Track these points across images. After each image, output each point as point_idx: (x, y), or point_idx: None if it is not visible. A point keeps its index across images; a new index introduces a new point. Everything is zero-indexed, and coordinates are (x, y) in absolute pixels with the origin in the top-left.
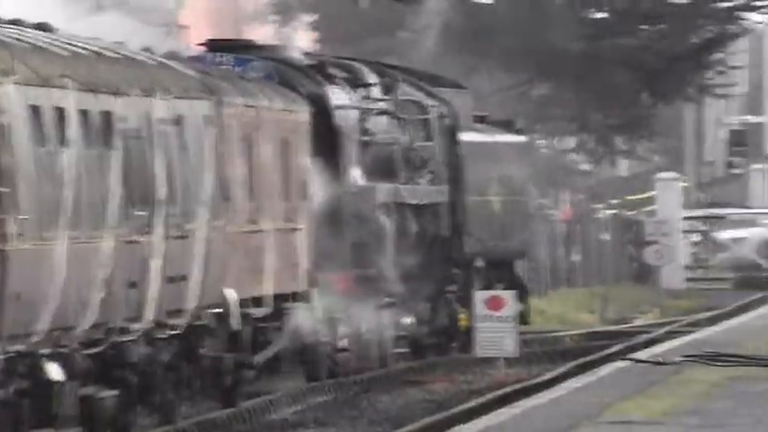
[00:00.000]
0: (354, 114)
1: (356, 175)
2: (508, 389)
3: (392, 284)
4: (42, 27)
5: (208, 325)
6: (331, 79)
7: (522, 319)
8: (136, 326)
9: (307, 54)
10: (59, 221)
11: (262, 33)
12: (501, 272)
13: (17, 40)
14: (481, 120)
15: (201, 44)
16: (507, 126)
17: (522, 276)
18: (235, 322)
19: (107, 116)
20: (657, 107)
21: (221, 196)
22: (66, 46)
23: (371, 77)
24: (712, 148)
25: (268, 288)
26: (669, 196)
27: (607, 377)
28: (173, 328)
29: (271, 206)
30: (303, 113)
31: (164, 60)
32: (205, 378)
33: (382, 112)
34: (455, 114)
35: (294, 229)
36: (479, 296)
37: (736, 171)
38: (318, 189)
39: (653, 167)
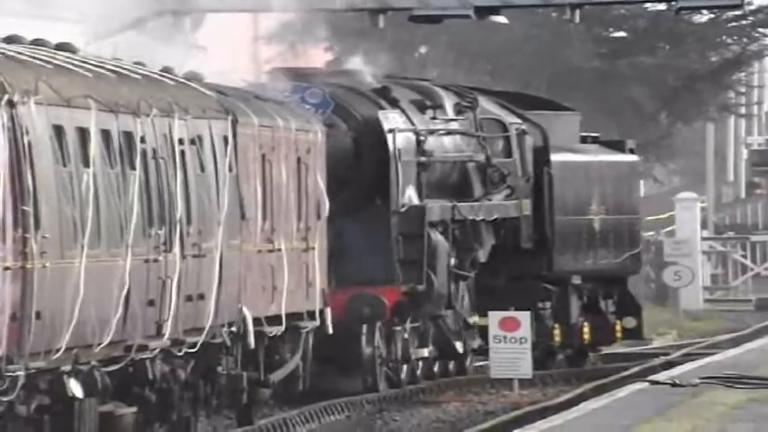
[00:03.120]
0: (411, 136)
1: (411, 194)
2: (523, 410)
3: (445, 298)
4: (64, 47)
5: (224, 343)
6: (395, 102)
7: (637, 334)
8: (154, 343)
9: (381, 77)
10: (80, 240)
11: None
12: (610, 289)
13: (40, 60)
14: (594, 140)
15: (267, 72)
16: (618, 146)
17: (635, 293)
18: (251, 340)
19: (128, 136)
20: (676, 127)
21: (238, 215)
22: (89, 66)
23: (445, 99)
24: (734, 168)
25: (282, 307)
26: (689, 217)
27: (625, 399)
28: (190, 345)
29: (286, 225)
30: (319, 134)
31: (182, 80)
32: (222, 396)
33: (452, 132)
34: (543, 133)
35: (309, 249)
36: (493, 317)
37: (759, 192)
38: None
39: (672, 188)
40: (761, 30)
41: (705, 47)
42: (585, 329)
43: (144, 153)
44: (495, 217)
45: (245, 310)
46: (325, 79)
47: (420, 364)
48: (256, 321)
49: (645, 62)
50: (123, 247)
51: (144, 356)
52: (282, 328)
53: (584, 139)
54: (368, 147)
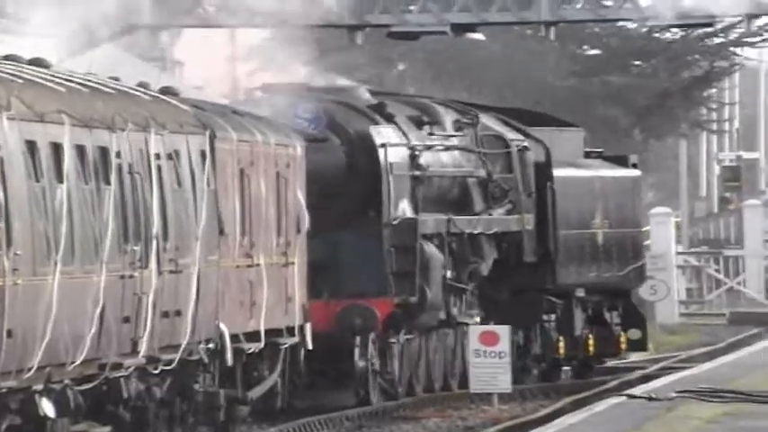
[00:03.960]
0: (404, 151)
1: (405, 207)
2: (503, 425)
3: (439, 309)
4: (38, 62)
5: (201, 360)
6: (390, 118)
7: (641, 346)
8: (129, 361)
9: (376, 94)
10: (53, 257)
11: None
12: (615, 301)
13: (12, 75)
14: (597, 155)
15: (258, 88)
16: (621, 161)
17: (639, 305)
18: (229, 357)
19: (103, 151)
20: (650, 143)
21: (216, 231)
22: (62, 81)
23: (445, 115)
24: (706, 183)
25: (261, 323)
26: (663, 231)
27: (602, 413)
28: (166, 363)
29: (265, 240)
30: (298, 148)
31: (158, 95)
32: (198, 414)
33: (451, 148)
34: (546, 149)
35: (288, 264)
36: (473, 331)
37: (731, 207)
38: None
39: (647, 203)
40: (731, 48)
41: (676, 65)
42: (590, 341)
43: (119, 168)
44: (495, 230)
45: (222, 326)
46: (320, 95)
47: (421, 377)
48: (234, 338)
49: (617, 80)
50: (98, 264)
51: (119, 375)
52: (261, 344)
53: (587, 155)
54: (360, 161)
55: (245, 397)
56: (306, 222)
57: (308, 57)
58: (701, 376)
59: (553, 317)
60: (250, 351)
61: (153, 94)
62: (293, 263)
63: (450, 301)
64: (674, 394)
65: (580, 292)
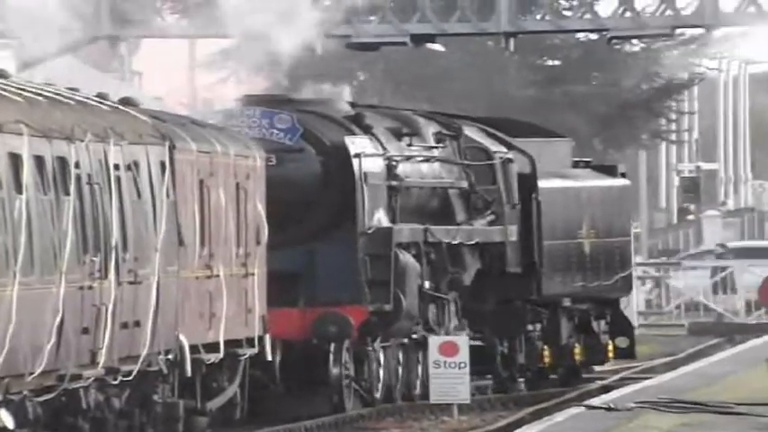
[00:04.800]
0: (380, 161)
1: (380, 217)
2: None
3: (415, 318)
4: None
5: (161, 371)
6: (367, 129)
7: (629, 353)
8: (88, 372)
9: (358, 106)
10: (12, 267)
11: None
12: (603, 309)
13: None
14: (586, 164)
15: (238, 99)
16: (609, 171)
17: (626, 314)
18: (188, 368)
19: (62, 162)
20: (609, 153)
21: (175, 242)
22: (21, 92)
23: (425, 127)
24: (666, 194)
25: (221, 334)
26: None
27: (562, 423)
28: (125, 374)
29: (225, 251)
30: (258, 159)
31: (118, 106)
32: (157, 425)
33: (431, 159)
34: (531, 160)
35: (248, 275)
36: (433, 342)
37: (690, 218)
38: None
39: None
40: (690, 59)
41: (638, 76)
42: (577, 350)
43: (78, 179)
44: (477, 241)
45: (182, 337)
46: (298, 107)
47: (398, 384)
48: (194, 348)
49: (578, 90)
50: (57, 275)
51: (78, 386)
52: (220, 355)
53: (576, 164)
54: (335, 171)
55: (204, 408)
56: (266, 233)
57: (268, 67)
58: (661, 387)
59: (538, 326)
60: (209, 362)
61: (112, 104)
62: (253, 274)
63: (428, 311)
64: (633, 405)
65: (566, 302)
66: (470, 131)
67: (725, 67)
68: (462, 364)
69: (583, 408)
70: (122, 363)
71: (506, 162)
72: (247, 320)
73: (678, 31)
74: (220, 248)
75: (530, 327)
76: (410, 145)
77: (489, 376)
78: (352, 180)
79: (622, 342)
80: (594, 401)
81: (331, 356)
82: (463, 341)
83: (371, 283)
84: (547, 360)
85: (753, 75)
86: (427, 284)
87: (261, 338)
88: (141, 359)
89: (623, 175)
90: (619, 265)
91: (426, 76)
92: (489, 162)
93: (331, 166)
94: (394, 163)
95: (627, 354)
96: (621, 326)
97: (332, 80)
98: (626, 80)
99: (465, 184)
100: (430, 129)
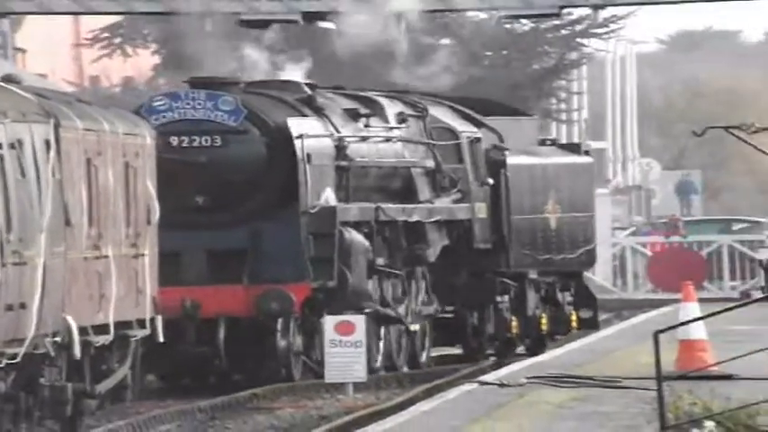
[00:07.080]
0: (327, 141)
1: (328, 196)
2: (356, 414)
3: (364, 293)
4: None
5: (48, 354)
6: (319, 110)
7: (593, 324)
8: None
9: (320, 88)
10: None
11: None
12: (567, 282)
13: None
14: (552, 143)
15: (185, 81)
16: (574, 148)
17: (590, 286)
18: (76, 350)
19: None
20: None
21: (62, 222)
22: None
23: (387, 108)
24: None
25: (110, 315)
26: None
27: (455, 400)
28: (11, 357)
29: (114, 232)
30: (147, 138)
31: (0, 83)
32: (45, 408)
33: (391, 139)
34: (500, 138)
35: (139, 255)
36: (329, 321)
37: None
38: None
39: None
40: (578, 39)
41: (527, 56)
42: (543, 320)
43: None
44: (438, 219)
45: (69, 319)
46: (252, 89)
47: (379, 357)
48: (82, 330)
49: (469, 70)
50: None
51: None
52: (110, 337)
53: (542, 142)
54: (278, 152)
55: (93, 390)
56: (156, 213)
57: (158, 45)
58: (552, 362)
59: (507, 298)
60: (99, 344)
61: None
62: (144, 254)
63: (383, 287)
64: (524, 380)
65: (533, 275)
66: (437, 111)
67: (612, 47)
68: (359, 343)
69: (476, 384)
70: (7, 345)
71: (474, 141)
72: (138, 301)
73: (566, 10)
74: (109, 229)
75: (498, 298)
76: (367, 126)
77: (459, 345)
78: (294, 160)
79: (585, 313)
80: (487, 377)
81: (279, 331)
82: (360, 320)
83: (315, 261)
84: (515, 330)
85: (640, 54)
86: (381, 261)
87: (153, 320)
88: (27, 342)
89: (587, 153)
90: (582, 239)
91: (316, 56)
92: (456, 142)
93: (275, 148)
94: (345, 143)
95: (590, 324)
96: (585, 298)
97: (293, 60)
98: (516, 60)
99: (430, 164)
100: (392, 109)
